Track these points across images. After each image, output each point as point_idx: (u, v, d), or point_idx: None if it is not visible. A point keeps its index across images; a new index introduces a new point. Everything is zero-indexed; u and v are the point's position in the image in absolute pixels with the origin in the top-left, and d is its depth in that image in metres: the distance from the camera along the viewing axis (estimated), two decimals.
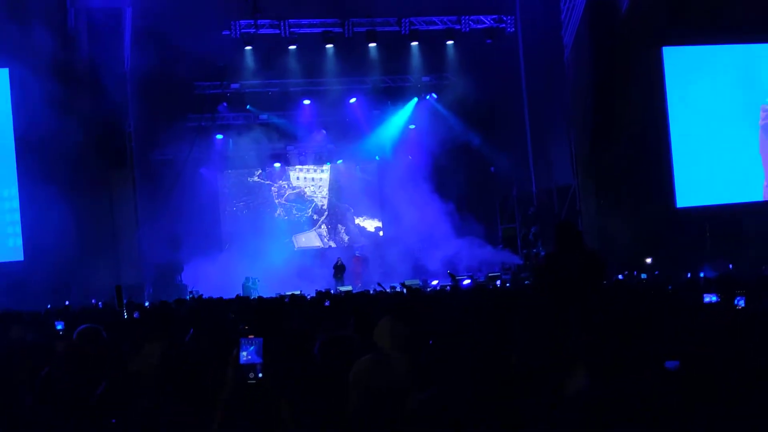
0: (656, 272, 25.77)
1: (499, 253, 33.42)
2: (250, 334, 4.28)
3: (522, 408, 4.34)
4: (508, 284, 27.21)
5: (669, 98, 33.32)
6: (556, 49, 32.81)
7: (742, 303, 11.07)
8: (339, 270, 33.13)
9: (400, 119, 36.05)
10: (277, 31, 32.00)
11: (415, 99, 35.63)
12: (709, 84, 33.54)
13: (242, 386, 4.27)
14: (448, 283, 28.62)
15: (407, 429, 4.34)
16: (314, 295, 22.37)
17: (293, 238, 36.56)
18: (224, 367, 5.26)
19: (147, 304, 22.17)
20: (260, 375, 4.19)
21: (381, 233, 37.61)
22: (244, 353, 4.20)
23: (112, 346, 8.65)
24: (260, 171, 36.49)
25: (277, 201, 36.86)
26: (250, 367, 4.16)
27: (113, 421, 5.12)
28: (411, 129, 36.25)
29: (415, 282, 29.44)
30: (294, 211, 37.21)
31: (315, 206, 37.56)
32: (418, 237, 33.71)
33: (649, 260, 28.00)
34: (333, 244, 37.19)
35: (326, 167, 37.46)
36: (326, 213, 37.52)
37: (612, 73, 31.91)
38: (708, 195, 32.99)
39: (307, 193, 37.56)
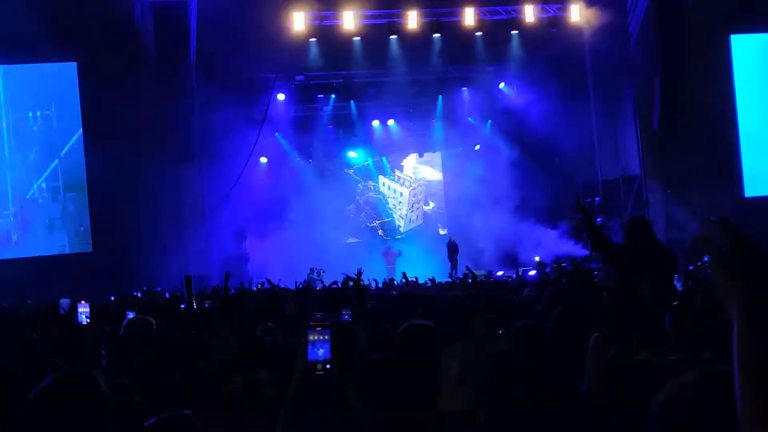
0: None
1: (564, 244, 33.18)
2: (318, 326, 4.27)
3: None
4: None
5: (737, 87, 32.90)
6: (622, 38, 32.51)
7: None
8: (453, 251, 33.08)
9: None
10: (341, 23, 32.05)
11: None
12: None
13: (310, 378, 4.28)
14: (512, 273, 28.52)
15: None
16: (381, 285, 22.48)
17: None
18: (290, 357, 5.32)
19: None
20: (328, 367, 4.19)
21: (446, 232, 37.83)
22: (312, 345, 4.19)
23: (169, 336, 8.76)
24: (353, 168, 36.87)
25: (357, 198, 37.05)
26: (320, 360, 4.16)
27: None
28: (476, 119, 36.26)
29: (481, 273, 29.38)
30: (362, 216, 37.30)
31: (390, 224, 37.61)
32: (483, 228, 33.69)
33: None
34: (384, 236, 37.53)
35: (406, 188, 37.60)
36: (398, 236, 37.56)
37: (679, 62, 31.56)
38: None
39: (390, 204, 37.75)
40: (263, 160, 34.03)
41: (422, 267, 31.65)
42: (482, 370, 4.58)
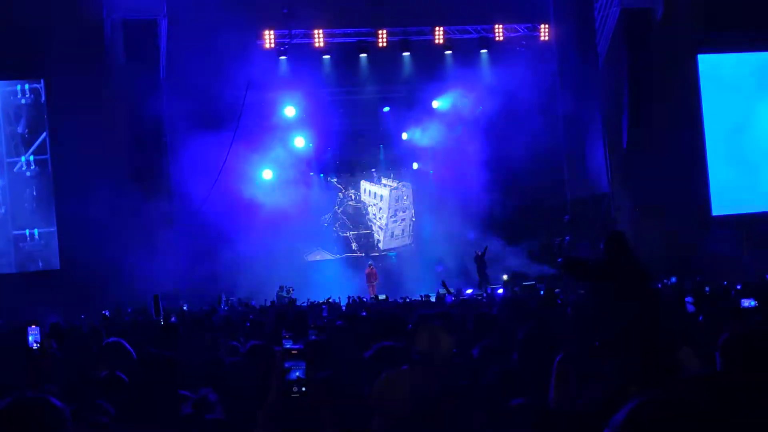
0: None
1: (533, 263, 33.26)
2: (294, 350, 4.33)
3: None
4: (542, 292, 27.01)
5: (704, 106, 33.18)
6: (591, 57, 32.73)
7: None
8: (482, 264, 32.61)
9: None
10: (311, 41, 32.11)
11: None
12: (744, 91, 33.36)
13: (286, 399, 4.33)
14: (480, 292, 28.57)
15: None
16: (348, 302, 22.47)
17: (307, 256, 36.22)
18: (265, 376, 5.32)
19: (186, 308, 22.30)
20: (303, 389, 4.23)
21: (412, 245, 37.62)
22: (290, 368, 4.24)
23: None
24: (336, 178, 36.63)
25: (335, 207, 36.76)
26: (295, 381, 4.21)
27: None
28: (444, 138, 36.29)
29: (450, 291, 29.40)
30: (336, 226, 36.94)
31: (366, 238, 37.40)
32: (450, 248, 33.71)
33: None
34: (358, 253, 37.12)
35: (386, 189, 37.31)
36: (374, 253, 37.14)
37: (647, 81, 31.82)
38: (744, 203, 32.79)
39: (370, 213, 37.37)
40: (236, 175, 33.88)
41: (406, 284, 31.65)
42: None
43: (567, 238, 33.22)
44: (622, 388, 4.88)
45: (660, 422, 2.33)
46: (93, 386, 6.69)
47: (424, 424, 4.29)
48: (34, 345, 9.34)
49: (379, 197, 37.42)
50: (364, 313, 15.37)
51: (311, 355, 4.44)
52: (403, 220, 37.80)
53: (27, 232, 30.36)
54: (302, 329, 10.12)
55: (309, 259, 35.76)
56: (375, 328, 8.60)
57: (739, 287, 19.36)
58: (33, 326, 9.53)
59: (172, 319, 15.38)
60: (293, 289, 29.94)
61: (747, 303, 11.68)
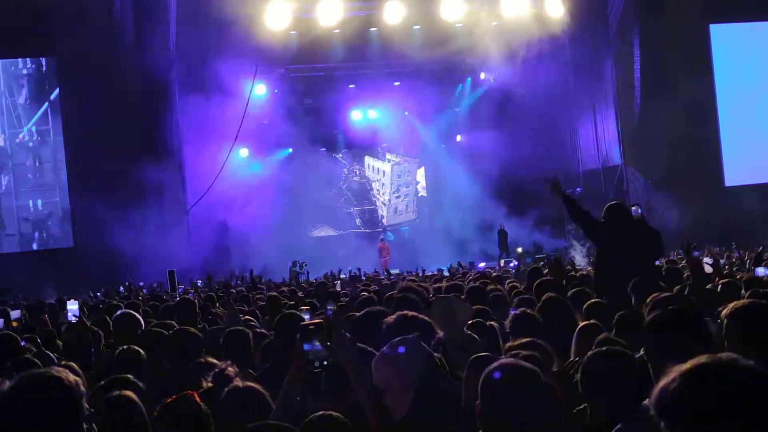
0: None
1: (542, 234, 33.22)
2: (311, 325, 4.31)
3: None
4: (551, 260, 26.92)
5: (717, 76, 33.01)
6: (602, 29, 32.55)
7: None
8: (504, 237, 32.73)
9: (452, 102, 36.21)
10: (322, 15, 31.89)
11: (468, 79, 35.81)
12: (756, 61, 33.18)
13: (307, 374, 4.32)
14: (494, 265, 28.55)
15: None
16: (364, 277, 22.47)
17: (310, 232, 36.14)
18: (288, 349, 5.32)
19: (200, 283, 22.35)
20: (325, 363, 4.22)
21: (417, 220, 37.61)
22: (308, 343, 4.22)
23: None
24: (342, 153, 36.57)
25: (340, 183, 36.70)
26: (315, 355, 4.19)
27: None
28: (456, 111, 36.33)
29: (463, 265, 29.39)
30: (341, 201, 36.81)
31: (370, 215, 37.16)
32: (461, 221, 33.69)
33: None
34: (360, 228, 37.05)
35: (388, 164, 37.19)
36: (381, 229, 36.86)
37: (659, 52, 31.64)
38: (757, 173, 32.68)
39: (374, 188, 37.23)
40: (244, 153, 33.83)
41: (418, 258, 31.58)
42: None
43: None
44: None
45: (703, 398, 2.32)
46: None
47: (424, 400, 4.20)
48: (73, 318, 9.45)
49: (381, 173, 37.36)
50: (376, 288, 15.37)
51: (328, 329, 4.41)
52: (407, 195, 37.70)
53: (30, 202, 30.54)
54: (322, 302, 10.15)
55: (313, 235, 35.86)
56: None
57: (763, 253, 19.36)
58: (71, 299, 9.63)
59: (190, 295, 15.40)
60: (306, 264, 29.90)
61: (762, 272, 11.71)
